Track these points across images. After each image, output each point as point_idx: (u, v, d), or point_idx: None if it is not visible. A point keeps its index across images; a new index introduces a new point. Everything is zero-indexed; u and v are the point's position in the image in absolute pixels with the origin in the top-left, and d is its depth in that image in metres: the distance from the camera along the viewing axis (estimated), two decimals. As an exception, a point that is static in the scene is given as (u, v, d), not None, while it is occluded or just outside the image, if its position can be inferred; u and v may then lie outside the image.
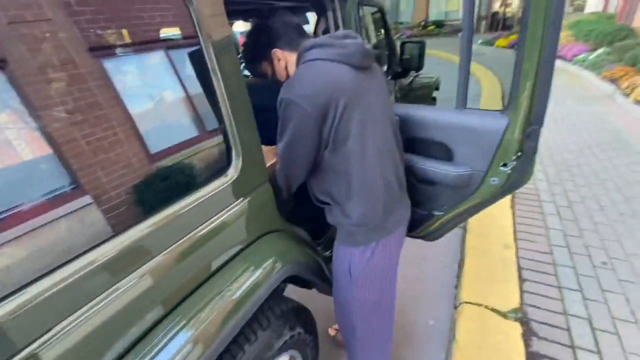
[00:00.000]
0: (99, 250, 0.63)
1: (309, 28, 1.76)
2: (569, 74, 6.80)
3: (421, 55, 2.08)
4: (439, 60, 9.16)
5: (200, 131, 0.85)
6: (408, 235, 1.44)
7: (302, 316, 1.15)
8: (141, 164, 0.72)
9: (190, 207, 0.78)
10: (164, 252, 0.73)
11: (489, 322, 1.70)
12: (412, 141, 1.24)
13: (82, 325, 0.60)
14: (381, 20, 2.31)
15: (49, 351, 0.56)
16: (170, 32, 0.77)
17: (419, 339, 1.74)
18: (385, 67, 2.24)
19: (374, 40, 2.40)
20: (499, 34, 11.72)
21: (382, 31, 2.39)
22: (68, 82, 0.58)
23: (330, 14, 1.44)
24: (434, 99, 3.21)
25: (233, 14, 1.23)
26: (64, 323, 0.58)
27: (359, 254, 1.01)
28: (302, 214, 1.37)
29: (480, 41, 11.49)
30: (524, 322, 1.70)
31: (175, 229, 0.76)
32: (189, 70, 0.80)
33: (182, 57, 0.79)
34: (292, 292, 1.40)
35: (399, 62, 2.22)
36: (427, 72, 3.02)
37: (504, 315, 1.74)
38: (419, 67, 2.14)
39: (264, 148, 1.01)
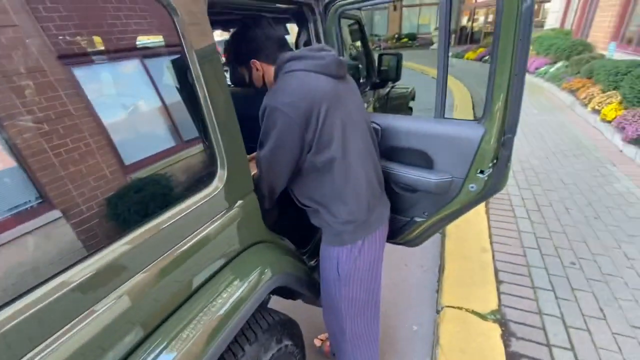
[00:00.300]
0: (74, 269, 0.59)
1: (289, 39, 1.78)
2: (532, 86, 7.23)
3: (398, 67, 2.15)
4: (413, 72, 9.53)
5: (185, 142, 0.83)
6: (390, 242, 1.47)
7: (289, 328, 1.14)
8: (123, 176, 0.69)
9: (175, 219, 0.75)
10: (147, 268, 0.70)
11: (470, 325, 1.75)
12: (394, 150, 1.28)
13: (57, 351, 0.55)
14: (359, 33, 2.38)
15: None
16: (154, 41, 0.76)
17: (403, 344, 1.75)
18: (364, 78, 2.30)
19: (353, 52, 2.46)
20: (467, 47, 12.34)
21: (360, 43, 2.45)
22: (43, 90, 0.55)
23: (311, 26, 1.47)
24: (411, 108, 3.32)
25: (215, 24, 1.22)
26: (34, 352, 0.53)
27: (346, 252, 1.05)
28: (285, 224, 1.37)
29: (450, 54, 12.04)
30: (503, 323, 1.76)
31: (159, 243, 0.73)
32: (173, 80, 0.79)
33: (166, 67, 0.78)
34: (275, 303, 1.38)
35: (377, 73, 2.28)
36: (402, 83, 3.13)
37: (484, 317, 1.79)
38: (396, 78, 2.20)
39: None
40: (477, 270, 2.13)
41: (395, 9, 19.46)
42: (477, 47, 11.75)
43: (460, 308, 1.85)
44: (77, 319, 0.59)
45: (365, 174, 1.03)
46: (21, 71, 0.53)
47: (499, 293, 1.95)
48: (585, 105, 4.95)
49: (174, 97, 0.82)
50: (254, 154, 1.04)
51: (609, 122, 4.17)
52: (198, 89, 0.78)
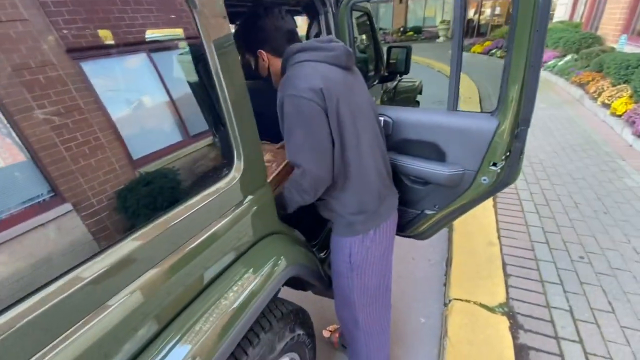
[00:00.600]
0: (89, 264, 0.58)
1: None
2: (540, 80, 7.13)
3: (407, 59, 2.14)
4: (418, 65, 9.43)
5: (203, 132, 0.84)
6: (399, 235, 1.48)
7: (301, 318, 1.16)
8: (142, 168, 0.71)
9: (193, 210, 0.76)
10: (165, 259, 0.71)
11: (478, 317, 1.76)
12: (405, 142, 1.28)
13: (81, 338, 0.56)
14: (368, 25, 2.36)
15: None
16: (173, 33, 0.77)
17: (411, 337, 1.77)
18: (372, 71, 2.29)
19: (361, 45, 2.45)
20: (474, 40, 12.18)
21: (369, 36, 2.44)
22: (68, 83, 0.56)
23: (322, 19, 1.46)
24: (418, 102, 3.30)
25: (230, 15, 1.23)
26: (58, 340, 0.53)
27: (358, 242, 1.06)
28: (293, 217, 1.38)
29: (451, 50, 11.89)
30: (511, 315, 1.76)
31: (176, 235, 0.74)
32: (191, 72, 0.79)
33: (183, 58, 0.79)
34: (284, 295, 1.40)
35: (386, 66, 2.27)
36: (409, 77, 3.12)
37: (491, 310, 1.80)
38: (405, 71, 2.19)
39: (272, 146, 1.00)
40: (485, 263, 2.13)
41: (400, 1, 19.21)
42: (483, 40, 11.59)
43: (468, 301, 1.86)
44: (93, 313, 0.58)
45: (375, 164, 1.04)
46: (46, 63, 0.53)
47: (507, 286, 1.95)
48: (595, 99, 4.89)
49: (192, 88, 0.83)
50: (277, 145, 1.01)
51: (619, 116, 4.11)
52: (215, 79, 0.79)
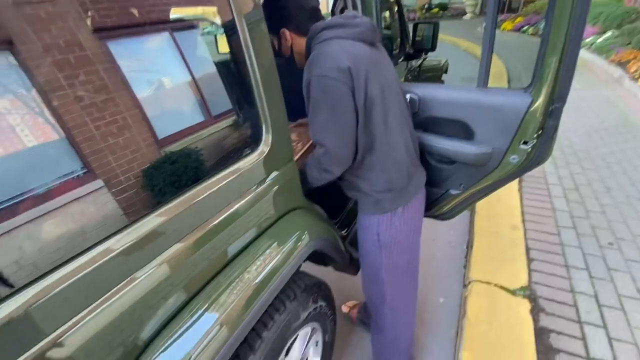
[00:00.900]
0: (120, 235, 0.61)
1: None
2: (576, 58, 6.70)
3: (434, 36, 2.07)
4: (444, 44, 9.03)
5: (233, 105, 0.86)
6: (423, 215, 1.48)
7: (323, 291, 1.20)
8: (178, 140, 0.74)
9: (223, 183, 0.79)
10: (197, 230, 0.74)
11: (499, 299, 1.75)
12: (431, 120, 1.25)
13: (116, 303, 0.59)
14: (394, 1, 2.28)
15: (75, 336, 0.54)
16: (203, 10, 0.77)
17: (430, 315, 1.79)
18: (397, 49, 2.22)
19: (386, 20, 2.37)
20: (504, 17, 11.48)
21: (393, 12, 2.36)
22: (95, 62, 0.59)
23: (349, -7, 1.43)
24: (443, 82, 3.20)
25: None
26: (95, 304, 0.57)
27: (386, 220, 1.06)
28: (317, 195, 1.40)
29: (485, 24, 11.26)
30: (532, 299, 1.75)
31: (208, 206, 0.77)
32: (223, 46, 0.81)
33: (216, 33, 0.80)
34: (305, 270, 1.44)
35: (412, 43, 2.20)
36: (434, 55, 3.01)
37: (512, 292, 1.79)
38: (432, 48, 2.12)
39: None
40: (507, 247, 2.10)
41: (426, -25, 18.25)
42: (515, 17, 10.91)
43: (488, 283, 1.85)
44: (137, 273, 0.62)
45: (404, 141, 1.03)
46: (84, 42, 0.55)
47: (530, 270, 1.93)
48: (635, 79, 4.56)
49: (220, 61, 0.84)
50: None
51: (662, 97, 3.83)
52: (245, 52, 0.80)
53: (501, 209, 2.46)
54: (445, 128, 1.23)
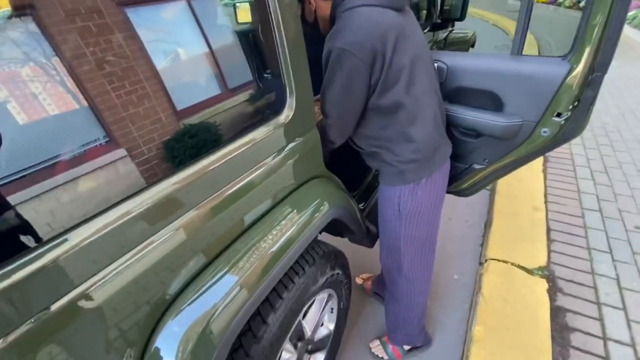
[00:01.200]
0: (160, 186, 0.63)
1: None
2: (616, 33, 6.23)
3: (464, 5, 1.95)
4: (471, 17, 8.54)
5: (259, 69, 0.85)
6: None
7: (339, 259, 1.21)
8: (208, 107, 0.74)
9: (247, 147, 0.79)
10: (225, 189, 0.76)
11: (515, 278, 1.74)
12: (458, 91, 1.20)
13: (139, 261, 0.61)
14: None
15: (101, 291, 0.56)
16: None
17: (443, 290, 1.81)
18: (424, 18, 2.12)
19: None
20: (539, -12, 10.70)
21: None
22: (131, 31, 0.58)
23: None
24: (469, 55, 3.05)
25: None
26: (127, 256, 0.59)
27: (408, 191, 1.05)
28: (336, 166, 1.39)
29: (516, -4, 10.57)
30: (550, 279, 1.73)
31: (233, 169, 0.78)
32: (250, 11, 0.79)
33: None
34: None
35: (439, 12, 2.09)
36: (462, 28, 2.86)
37: (530, 271, 1.77)
38: (461, 18, 2.00)
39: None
40: (528, 227, 2.06)
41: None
42: (550, -12, 10.15)
43: (505, 262, 1.84)
44: (163, 231, 0.64)
45: (432, 110, 1.00)
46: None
47: (549, 251, 1.89)
48: (681, 56, 4.22)
49: (251, 25, 0.82)
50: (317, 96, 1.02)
51: None
52: (273, 16, 0.78)
53: (523, 189, 2.39)
54: (473, 99, 1.18)
